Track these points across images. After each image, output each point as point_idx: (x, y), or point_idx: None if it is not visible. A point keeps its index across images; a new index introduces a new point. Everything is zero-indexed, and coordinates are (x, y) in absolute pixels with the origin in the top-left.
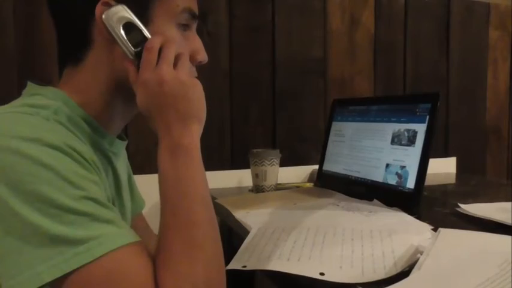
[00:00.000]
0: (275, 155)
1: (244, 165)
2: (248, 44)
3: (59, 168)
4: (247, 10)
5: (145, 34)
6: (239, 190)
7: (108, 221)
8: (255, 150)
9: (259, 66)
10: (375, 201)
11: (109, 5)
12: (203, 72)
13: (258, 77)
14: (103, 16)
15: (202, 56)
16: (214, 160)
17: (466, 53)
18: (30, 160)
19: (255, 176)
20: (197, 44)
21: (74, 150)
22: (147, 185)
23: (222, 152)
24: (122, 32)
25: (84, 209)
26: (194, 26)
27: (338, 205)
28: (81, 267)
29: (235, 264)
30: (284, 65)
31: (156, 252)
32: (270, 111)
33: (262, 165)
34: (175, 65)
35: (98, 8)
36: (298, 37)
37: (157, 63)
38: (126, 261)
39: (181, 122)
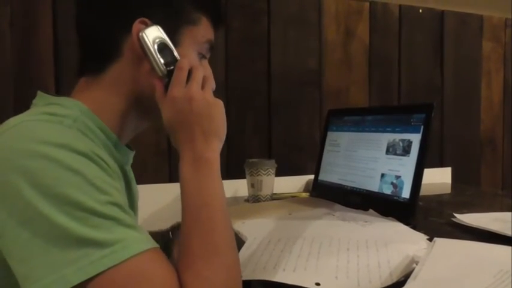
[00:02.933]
0: (271, 165)
1: (240, 175)
2: (244, 56)
3: (86, 173)
4: (243, 22)
5: (175, 55)
6: (235, 200)
7: (130, 226)
8: (250, 160)
9: (255, 77)
10: (371, 211)
11: (146, 24)
12: None
13: (254, 87)
14: (140, 33)
15: (213, 84)
16: None
17: (460, 65)
18: (59, 165)
19: (251, 186)
20: (208, 72)
21: (99, 157)
22: (142, 196)
23: None
24: (156, 50)
25: (110, 213)
26: (208, 56)
27: (334, 215)
28: (106, 270)
29: None
30: (280, 76)
31: (179, 258)
32: (265, 121)
33: (257, 175)
34: (202, 86)
35: (136, 25)
36: (294, 48)
37: (186, 83)
38: (151, 265)
39: (204, 138)
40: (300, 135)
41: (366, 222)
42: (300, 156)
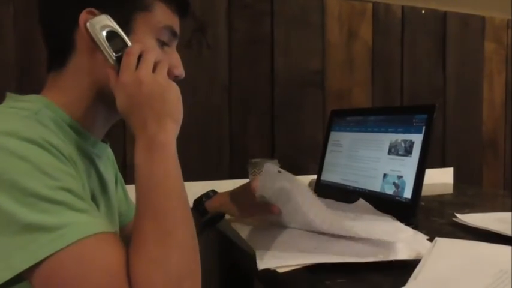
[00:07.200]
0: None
1: (243, 175)
2: (247, 56)
3: (35, 160)
4: (246, 23)
5: (126, 42)
6: None
7: (82, 210)
8: (253, 160)
9: (258, 78)
10: (360, 200)
11: (93, 14)
12: (203, 84)
13: (257, 88)
14: (87, 24)
15: (180, 71)
16: (213, 170)
17: (462, 66)
18: (6, 152)
19: None
20: (175, 59)
21: (51, 144)
22: None
23: (221, 162)
24: (104, 38)
25: (59, 198)
26: (174, 44)
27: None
28: (54, 253)
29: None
30: (283, 76)
31: (130, 240)
32: (268, 122)
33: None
34: (154, 69)
35: (83, 15)
36: (297, 49)
37: (137, 68)
38: (98, 249)
39: (156, 120)
40: (303, 135)
41: (356, 215)
42: (302, 157)
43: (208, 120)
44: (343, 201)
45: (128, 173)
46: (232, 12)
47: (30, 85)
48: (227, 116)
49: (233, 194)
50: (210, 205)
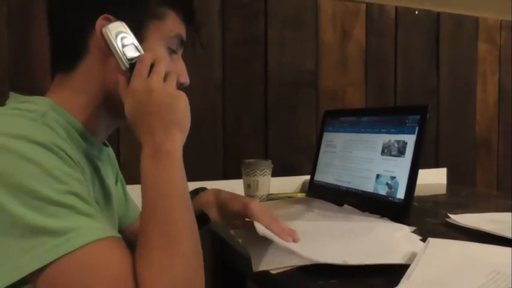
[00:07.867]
0: (267, 165)
1: (236, 175)
2: (241, 56)
3: (43, 163)
4: (240, 23)
5: (139, 49)
6: None
7: (88, 215)
8: (246, 161)
9: (251, 78)
10: (345, 206)
11: (109, 20)
12: (197, 84)
13: (251, 88)
14: (103, 29)
15: (185, 79)
16: (206, 170)
17: (456, 66)
18: (15, 155)
19: (247, 186)
20: (181, 67)
21: (60, 148)
22: (140, 195)
23: (214, 162)
24: (119, 44)
25: (67, 202)
26: (180, 51)
27: (313, 211)
28: (60, 257)
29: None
30: (276, 76)
31: (136, 247)
32: (262, 122)
33: (254, 176)
34: (164, 79)
35: (99, 21)
36: (291, 49)
37: (148, 76)
38: (105, 253)
39: (164, 128)
40: (297, 136)
41: (346, 216)
42: (296, 157)
43: (202, 120)
44: (337, 202)
45: (122, 173)
46: (226, 12)
47: (24, 86)
48: (221, 115)
49: (219, 199)
50: (196, 203)
